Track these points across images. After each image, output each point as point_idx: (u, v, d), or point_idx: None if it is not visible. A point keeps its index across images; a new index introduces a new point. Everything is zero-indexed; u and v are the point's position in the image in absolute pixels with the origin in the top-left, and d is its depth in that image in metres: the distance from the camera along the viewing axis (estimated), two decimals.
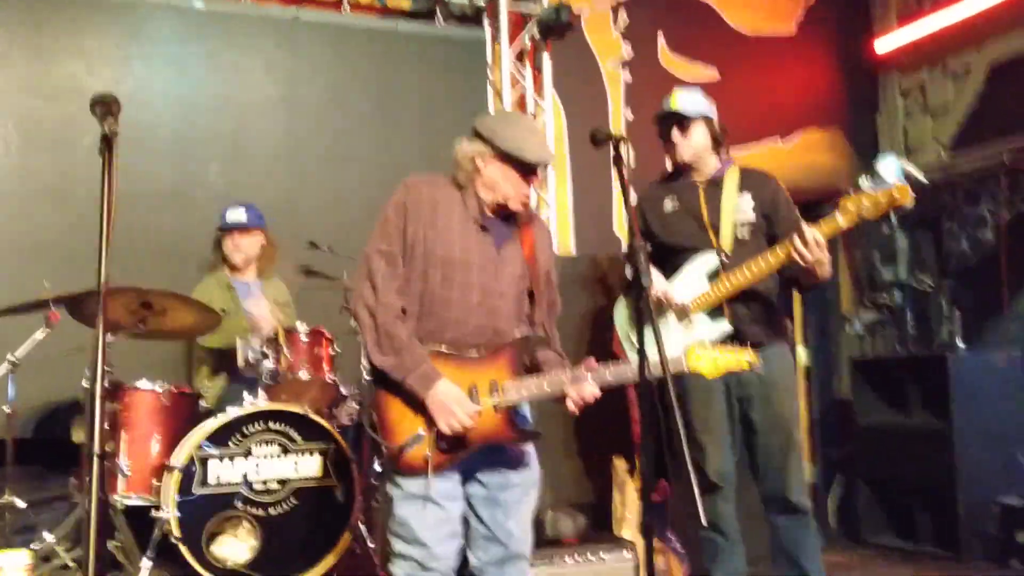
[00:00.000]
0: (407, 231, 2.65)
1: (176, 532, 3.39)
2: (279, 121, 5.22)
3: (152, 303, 3.68)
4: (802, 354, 6.46)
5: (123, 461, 3.71)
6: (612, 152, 2.51)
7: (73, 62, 4.83)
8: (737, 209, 3.48)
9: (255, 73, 5.20)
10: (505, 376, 2.64)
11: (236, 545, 3.45)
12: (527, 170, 2.68)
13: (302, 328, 3.95)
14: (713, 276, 3.40)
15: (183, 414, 3.87)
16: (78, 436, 3.96)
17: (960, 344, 5.51)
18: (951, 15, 6.02)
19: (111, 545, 3.58)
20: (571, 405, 2.61)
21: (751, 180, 3.55)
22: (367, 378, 2.97)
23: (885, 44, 6.52)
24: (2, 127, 4.65)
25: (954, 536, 4.93)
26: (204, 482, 3.49)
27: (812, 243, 3.10)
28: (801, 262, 3.15)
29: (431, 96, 5.52)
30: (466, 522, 2.70)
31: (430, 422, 2.57)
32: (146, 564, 3.41)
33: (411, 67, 5.51)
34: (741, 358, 2.71)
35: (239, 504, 3.51)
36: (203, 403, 4.07)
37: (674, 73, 6.17)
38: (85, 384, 3.81)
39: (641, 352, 2.32)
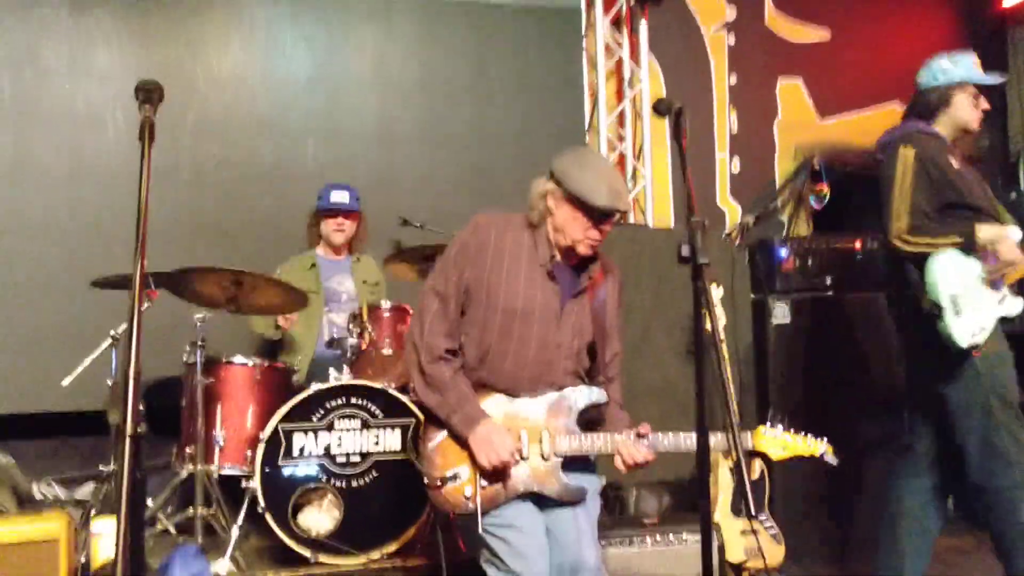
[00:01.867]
0: (466, 274, 2.63)
1: (263, 502, 3.49)
2: (373, 99, 5.28)
3: (243, 282, 3.79)
4: None
5: (218, 432, 3.85)
6: (672, 124, 2.36)
7: (177, 47, 5.01)
8: None
9: (348, 53, 5.28)
10: (558, 428, 2.63)
11: (320, 516, 3.53)
12: (596, 216, 2.58)
13: (385, 304, 4.00)
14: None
15: (276, 388, 3.98)
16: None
17: None
18: None
19: (205, 513, 3.71)
20: (620, 464, 2.64)
21: None
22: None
23: None
24: (111, 110, 4.86)
25: None
26: (289, 454, 3.58)
27: None
28: None
29: (525, 69, 5.47)
30: None
31: (472, 463, 2.58)
32: (235, 532, 3.53)
33: (504, 40, 5.48)
34: (815, 447, 2.69)
35: (322, 476, 3.58)
36: (296, 377, 4.17)
37: (781, 35, 5.92)
38: (184, 358, 3.98)
39: (698, 337, 2.21)
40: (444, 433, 2.64)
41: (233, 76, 5.07)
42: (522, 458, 2.60)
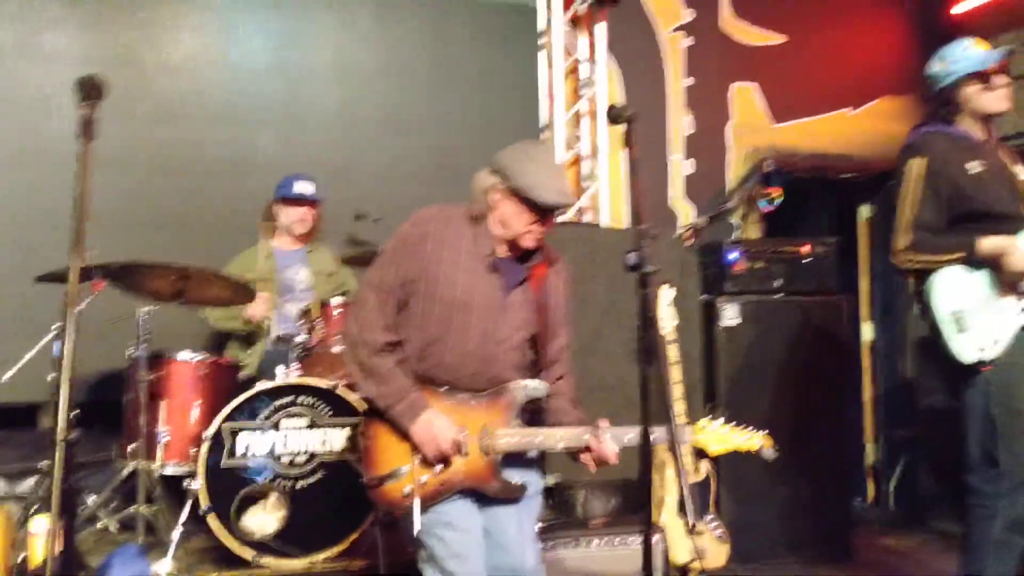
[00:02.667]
0: (404, 267, 2.59)
1: (206, 502, 3.44)
2: (331, 89, 5.23)
3: (190, 276, 3.73)
4: (867, 331, 6.23)
5: (161, 429, 3.80)
6: (624, 132, 2.36)
7: (129, 31, 4.90)
8: None
9: (308, 41, 5.22)
10: (499, 423, 2.60)
11: (264, 517, 3.50)
12: (541, 211, 2.57)
13: (336, 301, 3.96)
14: None
15: (222, 384, 3.95)
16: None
17: None
18: None
19: (147, 511, 3.66)
20: (589, 462, 2.61)
21: None
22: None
23: (963, 6, 6.15)
24: (61, 95, 4.74)
25: None
26: (233, 454, 3.53)
27: None
28: None
29: (485, 63, 5.45)
30: None
31: (412, 457, 2.55)
32: (177, 532, 3.48)
33: (464, 34, 5.45)
34: (751, 442, 2.70)
35: (267, 476, 3.55)
36: (247, 371, 4.13)
37: (737, 38, 5.95)
38: (128, 353, 3.91)
39: (643, 340, 2.21)
40: (383, 429, 2.60)
41: (187, 63, 4.98)
42: (463, 453, 2.57)
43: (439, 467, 2.56)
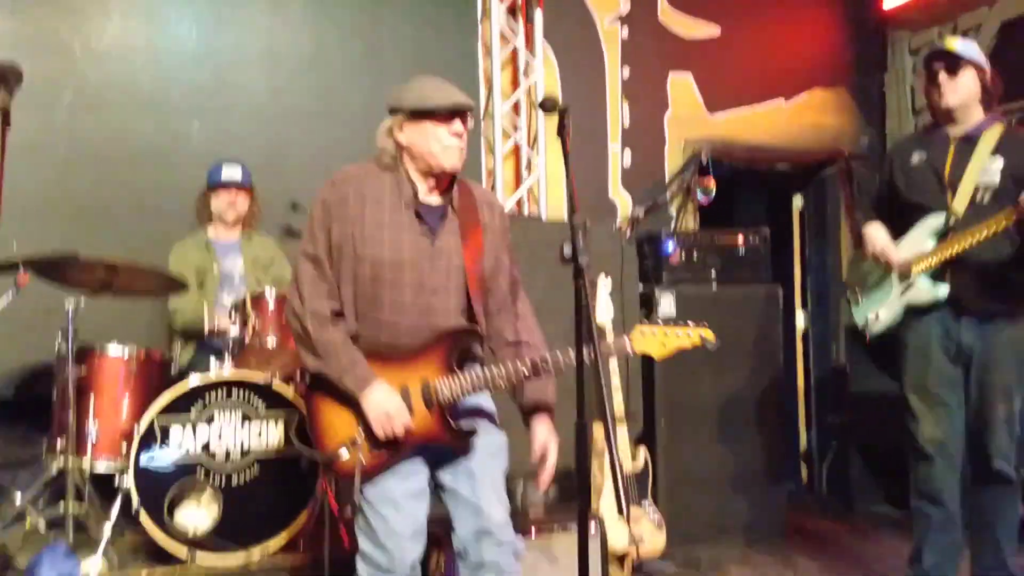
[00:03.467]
0: (332, 231, 2.54)
1: (137, 499, 3.37)
2: (262, 76, 5.11)
3: (117, 268, 3.63)
4: (800, 320, 6.36)
5: (91, 425, 3.70)
6: (558, 123, 2.36)
7: (53, 18, 4.74)
8: (984, 171, 3.29)
9: (237, 26, 5.09)
10: (437, 373, 2.55)
11: (197, 513, 3.44)
12: (444, 119, 2.53)
13: (270, 294, 3.90)
14: (940, 237, 3.32)
15: (153, 378, 3.87)
16: None
17: None
18: None
19: (77, 509, 3.57)
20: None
21: (1011, 142, 3.32)
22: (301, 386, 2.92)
23: (894, 0, 6.28)
24: None
25: None
26: (166, 449, 3.46)
27: None
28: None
29: (420, 51, 5.38)
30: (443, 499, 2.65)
31: (365, 425, 2.50)
32: (107, 530, 3.40)
33: (399, 21, 5.37)
34: (693, 335, 2.61)
35: (200, 472, 3.48)
36: (175, 367, 4.04)
37: (673, 30, 6.00)
38: (56, 346, 3.80)
39: (578, 337, 2.22)
40: (327, 401, 2.55)
41: (113, 49, 4.83)
42: (409, 428, 2.51)
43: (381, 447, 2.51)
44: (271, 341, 3.83)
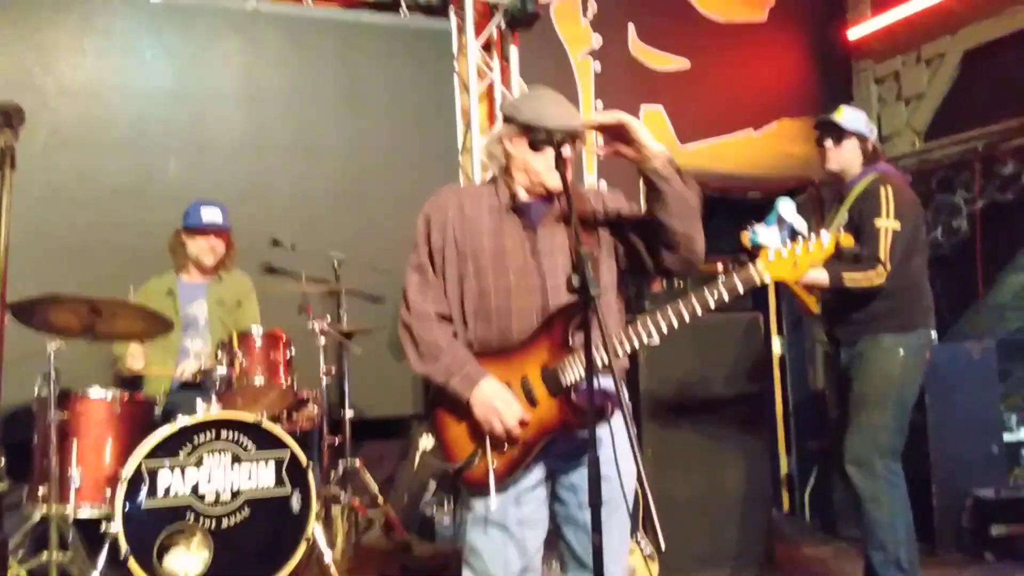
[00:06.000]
0: (432, 238, 2.54)
1: (125, 545, 3.29)
2: (239, 115, 5.12)
3: (100, 309, 3.57)
4: (777, 345, 6.41)
5: (74, 471, 3.61)
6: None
7: (27, 55, 4.71)
8: (836, 224, 3.72)
9: (213, 66, 5.10)
10: (555, 357, 2.42)
11: (188, 558, 3.37)
12: (553, 142, 2.43)
13: (256, 331, 3.85)
14: None
15: (137, 422, 3.78)
16: None
17: (934, 335, 5.44)
18: (925, 1, 5.94)
19: (61, 558, 3.47)
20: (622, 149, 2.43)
21: (863, 196, 3.67)
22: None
23: (858, 31, 6.44)
24: None
25: (929, 528, 4.87)
26: (153, 494, 3.40)
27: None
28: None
29: (397, 88, 5.42)
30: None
31: (481, 433, 2.41)
32: None
33: (376, 59, 5.41)
34: (827, 245, 2.42)
35: (190, 516, 3.42)
36: (158, 410, 3.97)
37: (645, 63, 6.09)
38: (36, 391, 3.72)
39: (589, 374, 2.21)
40: (449, 416, 2.47)
41: (88, 88, 4.81)
42: (525, 424, 2.40)
43: (506, 445, 2.41)
44: (259, 380, 3.78)
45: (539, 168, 2.50)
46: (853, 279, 3.51)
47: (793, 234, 3.54)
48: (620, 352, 2.47)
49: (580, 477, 2.44)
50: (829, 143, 3.78)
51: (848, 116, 3.79)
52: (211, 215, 4.30)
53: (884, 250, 3.52)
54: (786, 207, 3.70)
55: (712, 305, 2.40)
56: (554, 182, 2.48)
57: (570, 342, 2.44)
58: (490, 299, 2.47)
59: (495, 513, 2.40)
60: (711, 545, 4.64)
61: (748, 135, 6.35)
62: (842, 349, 3.79)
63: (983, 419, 5.02)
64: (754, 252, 3.81)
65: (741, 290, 2.36)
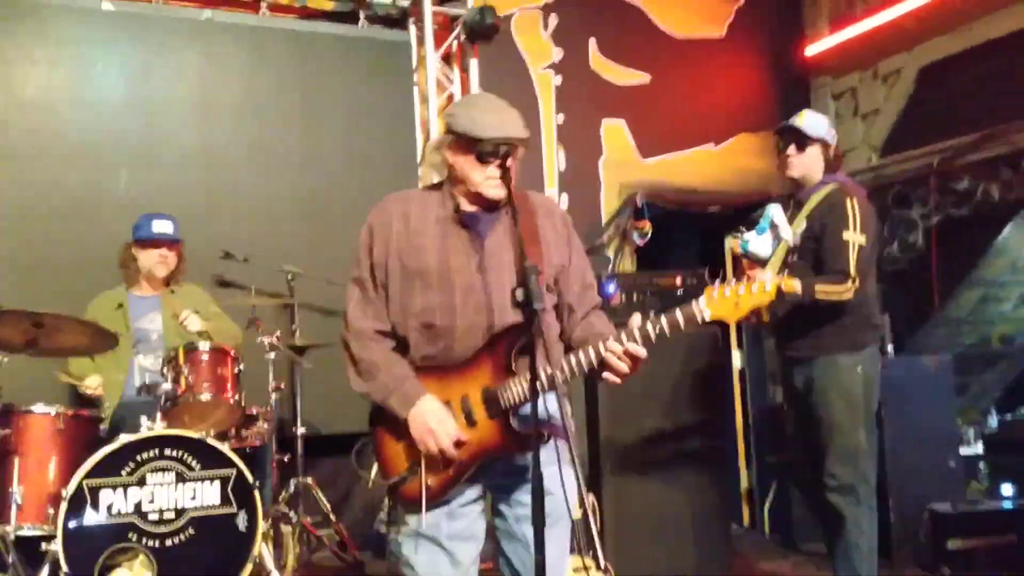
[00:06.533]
0: (375, 252, 2.47)
1: (66, 566, 3.21)
2: (193, 126, 5.05)
3: (44, 323, 3.49)
4: (736, 359, 6.42)
5: (15, 489, 3.52)
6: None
7: None
8: (795, 233, 3.63)
9: (167, 76, 5.03)
10: (496, 378, 2.38)
11: None
12: (492, 152, 2.37)
13: (203, 346, 3.78)
14: None
15: (81, 438, 3.69)
16: None
17: (890, 349, 5.48)
18: (881, 18, 6.00)
19: None
20: (613, 376, 2.35)
21: (824, 205, 3.61)
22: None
23: (816, 48, 6.50)
24: None
25: (886, 543, 4.87)
26: (96, 512, 3.31)
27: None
28: None
29: (355, 100, 5.39)
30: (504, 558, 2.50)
31: (417, 451, 2.37)
32: None
33: (334, 70, 5.37)
34: (769, 289, 2.37)
35: (132, 535, 3.34)
36: (104, 426, 3.89)
37: (605, 77, 6.09)
38: None
39: (532, 385, 2.17)
40: (387, 433, 2.44)
41: (39, 98, 4.74)
42: (472, 425, 2.37)
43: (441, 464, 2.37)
44: (206, 395, 3.71)
45: (477, 179, 2.42)
46: (825, 291, 3.44)
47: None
48: (560, 379, 2.37)
49: (520, 492, 2.42)
50: (792, 149, 3.68)
51: (811, 121, 3.70)
52: (162, 227, 4.25)
53: (854, 264, 3.46)
54: (778, 213, 3.65)
55: (653, 340, 2.35)
56: (494, 193, 2.42)
57: (512, 366, 2.39)
58: (435, 316, 2.42)
59: (427, 528, 2.38)
60: (670, 560, 4.61)
61: (708, 150, 6.38)
62: (795, 368, 3.73)
63: (940, 433, 5.03)
64: (739, 260, 3.83)
65: (682, 325, 2.31)
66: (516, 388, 2.35)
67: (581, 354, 2.35)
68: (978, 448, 6.00)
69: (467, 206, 2.48)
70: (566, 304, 2.56)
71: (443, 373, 2.42)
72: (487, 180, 2.40)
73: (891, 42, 5.99)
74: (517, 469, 2.40)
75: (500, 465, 2.42)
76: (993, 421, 6.23)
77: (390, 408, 2.38)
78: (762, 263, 3.68)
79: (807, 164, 3.68)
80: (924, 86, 5.87)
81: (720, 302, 2.37)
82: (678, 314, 2.34)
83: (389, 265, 2.46)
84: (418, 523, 2.37)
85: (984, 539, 4.63)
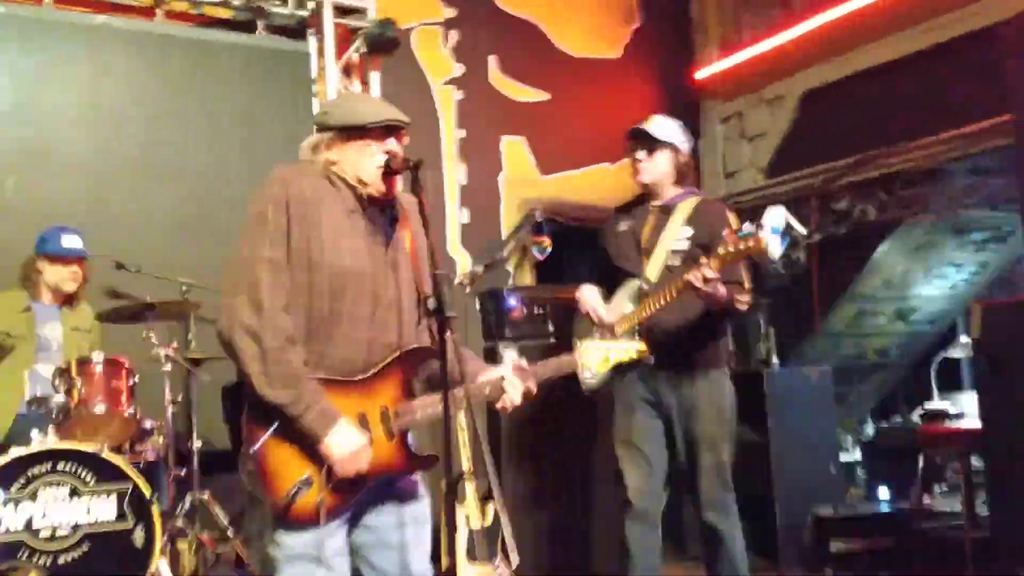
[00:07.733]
0: (292, 234, 2.25)
1: None
2: (84, 133, 4.91)
3: None
4: None
5: None
6: (412, 178, 2.35)
7: None
8: (675, 239, 3.53)
9: (57, 81, 4.88)
10: (396, 398, 2.33)
11: None
12: (377, 137, 2.33)
13: (97, 358, 3.68)
14: (637, 300, 3.50)
15: None
16: None
17: (775, 360, 5.71)
18: (766, 45, 6.28)
19: None
20: (507, 403, 2.53)
21: (701, 214, 3.56)
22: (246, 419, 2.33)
23: (706, 72, 6.75)
24: None
25: (772, 545, 5.05)
26: None
27: (701, 277, 3.14)
28: (696, 294, 3.23)
29: (253, 110, 5.31)
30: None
31: (319, 463, 2.22)
32: None
33: (231, 79, 5.29)
34: (631, 351, 2.69)
35: (23, 552, 3.22)
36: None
37: (505, 93, 6.18)
38: None
39: (445, 390, 2.21)
40: (276, 441, 2.23)
41: None
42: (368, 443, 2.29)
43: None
44: (99, 408, 3.61)
45: (368, 169, 2.35)
46: (740, 302, 3.43)
47: (791, 240, 3.50)
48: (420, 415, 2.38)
49: (378, 519, 2.40)
50: (642, 154, 3.58)
51: (660, 125, 3.61)
52: (72, 242, 4.16)
53: (748, 278, 3.48)
54: (789, 216, 3.61)
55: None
56: (379, 185, 2.37)
57: (413, 388, 2.37)
58: (341, 325, 2.29)
59: (314, 548, 2.24)
60: (577, 569, 4.70)
61: (604, 168, 6.53)
62: (662, 386, 3.56)
63: (821, 440, 5.25)
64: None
65: (560, 374, 2.54)
66: (417, 411, 2.35)
67: (486, 387, 2.49)
68: (856, 454, 6.31)
69: (364, 202, 2.39)
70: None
71: (342, 387, 2.29)
72: (376, 171, 2.35)
73: (776, 68, 6.26)
74: (384, 494, 2.40)
75: (377, 487, 2.37)
76: (870, 429, 6.56)
77: (305, 424, 2.19)
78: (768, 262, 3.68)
79: (658, 169, 3.58)
80: (806, 111, 6.16)
81: (593, 353, 2.70)
82: (560, 362, 2.66)
83: (300, 252, 2.27)
84: (304, 544, 2.24)
85: (864, 541, 4.84)
